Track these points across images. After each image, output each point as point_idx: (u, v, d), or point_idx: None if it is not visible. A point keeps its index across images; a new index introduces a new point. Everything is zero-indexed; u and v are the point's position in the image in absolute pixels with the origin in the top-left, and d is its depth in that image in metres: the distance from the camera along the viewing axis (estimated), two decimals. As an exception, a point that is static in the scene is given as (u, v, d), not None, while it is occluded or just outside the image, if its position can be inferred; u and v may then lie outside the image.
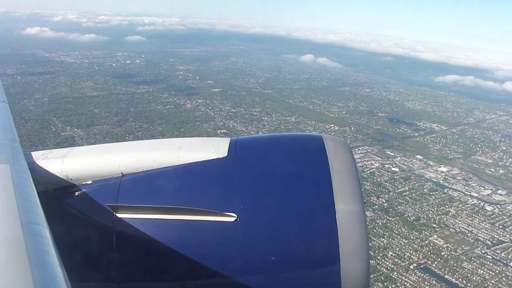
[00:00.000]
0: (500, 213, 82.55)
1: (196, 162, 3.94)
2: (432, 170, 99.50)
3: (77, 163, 4.05)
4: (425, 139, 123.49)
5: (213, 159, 3.92)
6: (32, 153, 4.20)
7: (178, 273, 3.75)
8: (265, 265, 3.56)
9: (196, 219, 3.58)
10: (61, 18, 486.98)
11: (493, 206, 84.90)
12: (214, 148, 4.02)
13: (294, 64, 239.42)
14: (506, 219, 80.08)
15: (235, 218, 3.52)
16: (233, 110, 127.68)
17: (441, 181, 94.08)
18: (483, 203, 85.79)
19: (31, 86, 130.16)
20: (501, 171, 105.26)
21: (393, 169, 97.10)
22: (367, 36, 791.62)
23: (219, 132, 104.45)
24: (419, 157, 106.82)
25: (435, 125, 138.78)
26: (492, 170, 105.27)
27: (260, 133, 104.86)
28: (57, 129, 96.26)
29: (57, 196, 3.99)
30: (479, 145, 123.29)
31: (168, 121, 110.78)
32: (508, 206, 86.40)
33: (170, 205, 3.65)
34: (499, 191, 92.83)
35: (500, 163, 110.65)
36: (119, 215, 3.70)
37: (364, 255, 3.47)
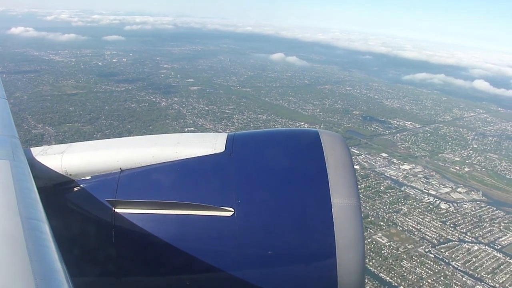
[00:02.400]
0: (454, 211, 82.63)
1: (193, 157, 4.00)
2: (394, 168, 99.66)
3: (76, 158, 4.12)
4: (395, 137, 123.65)
5: (210, 155, 3.99)
6: (31, 149, 4.26)
7: (176, 267, 3.78)
8: (262, 259, 3.60)
9: (194, 213, 3.63)
10: (53, 18, 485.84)
11: (449, 204, 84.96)
12: (211, 144, 4.09)
13: (264, 62, 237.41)
14: (459, 218, 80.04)
15: (233, 212, 3.58)
16: (206, 108, 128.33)
17: (401, 179, 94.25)
18: (440, 201, 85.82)
19: (14, 84, 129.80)
20: (466, 169, 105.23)
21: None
22: (359, 34, 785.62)
23: (186, 129, 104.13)
24: (384, 155, 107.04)
25: (408, 123, 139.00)
26: (457, 168, 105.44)
27: (228, 130, 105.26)
28: (29, 127, 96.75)
29: (56, 191, 4.04)
30: (450, 143, 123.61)
31: (139, 119, 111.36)
32: (465, 204, 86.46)
33: (168, 200, 3.69)
34: (459, 189, 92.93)
35: (467, 161, 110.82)
36: (117, 210, 3.75)
37: (359, 249, 3.53)
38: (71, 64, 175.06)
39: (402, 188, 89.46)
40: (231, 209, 3.58)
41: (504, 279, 63.82)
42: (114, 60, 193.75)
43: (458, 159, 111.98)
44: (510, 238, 75.34)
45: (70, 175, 4.06)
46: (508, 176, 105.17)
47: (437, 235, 73.04)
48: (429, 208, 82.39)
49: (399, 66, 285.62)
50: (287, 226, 3.61)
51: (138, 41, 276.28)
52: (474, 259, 67.30)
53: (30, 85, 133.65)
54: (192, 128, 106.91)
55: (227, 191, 3.70)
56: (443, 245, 70.27)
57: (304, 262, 3.64)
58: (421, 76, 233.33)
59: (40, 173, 3.97)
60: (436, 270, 63.22)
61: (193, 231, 3.68)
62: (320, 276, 3.66)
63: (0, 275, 2.07)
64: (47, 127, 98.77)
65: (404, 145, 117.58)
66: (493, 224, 79.52)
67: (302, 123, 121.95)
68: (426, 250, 68.20)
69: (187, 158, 4.01)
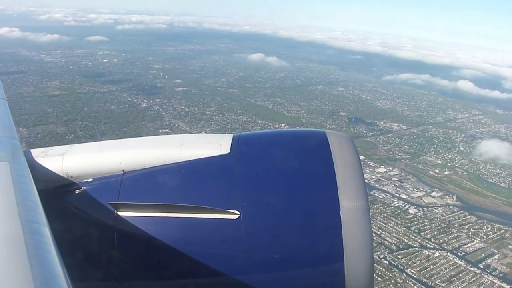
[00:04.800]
0: (422, 216, 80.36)
1: (198, 159, 3.89)
2: (368, 171, 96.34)
3: (77, 160, 4.02)
4: (377, 139, 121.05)
5: (215, 156, 3.88)
6: (31, 150, 4.16)
7: (180, 271, 3.71)
8: (269, 262, 3.52)
9: (199, 216, 3.52)
10: (47, 17, 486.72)
11: (418, 209, 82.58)
12: (216, 145, 3.98)
13: (241, 63, 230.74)
14: (426, 223, 77.89)
15: (238, 215, 3.47)
16: (186, 109, 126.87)
17: (373, 182, 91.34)
18: (409, 205, 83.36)
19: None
20: (446, 172, 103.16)
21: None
22: (361, 34, 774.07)
23: (160, 131, 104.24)
24: (361, 157, 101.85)
25: (396, 124, 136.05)
26: (437, 171, 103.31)
27: (203, 132, 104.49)
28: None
29: (57, 194, 3.95)
30: (435, 145, 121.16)
31: (115, 121, 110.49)
32: (436, 209, 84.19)
33: (172, 203, 3.59)
34: (433, 193, 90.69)
35: (449, 164, 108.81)
36: (120, 213, 3.65)
37: (368, 252, 3.42)
38: (60, 64, 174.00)
39: (372, 192, 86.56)
40: (236, 212, 3.51)
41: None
42: (104, 60, 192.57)
43: (440, 162, 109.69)
44: (476, 245, 73.15)
45: (71, 177, 3.98)
46: (490, 180, 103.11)
47: (398, 240, 70.82)
48: (396, 212, 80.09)
49: (390, 66, 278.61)
50: (294, 229, 3.56)
51: (135, 41, 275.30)
52: (431, 266, 65.18)
53: (13, 86, 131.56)
54: (167, 130, 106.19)
55: (233, 193, 3.62)
56: (401, 251, 68.15)
57: (312, 265, 3.60)
58: (404, 77, 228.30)
59: (40, 175, 3.90)
60: (387, 277, 61.07)
61: (197, 235, 3.62)
62: (327, 280, 3.62)
63: (0, 280, 2.06)
64: (21, 128, 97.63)
65: (385, 148, 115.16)
66: (462, 230, 77.29)
67: (282, 125, 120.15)
68: (381, 256, 65.87)
69: (191, 160, 3.91)
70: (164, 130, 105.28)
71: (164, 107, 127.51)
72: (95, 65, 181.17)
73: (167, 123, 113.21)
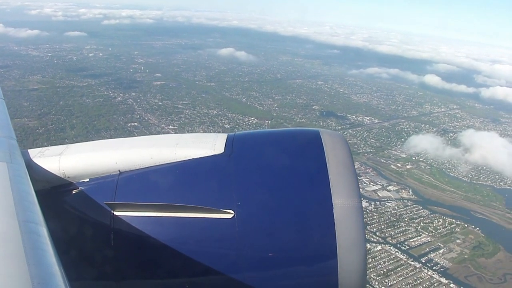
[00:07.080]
0: (373, 209, 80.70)
1: (192, 159, 3.99)
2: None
3: (74, 160, 4.10)
4: (345, 133, 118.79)
5: (209, 156, 3.98)
6: (28, 150, 4.25)
7: (176, 270, 3.79)
8: (263, 261, 3.62)
9: (194, 216, 3.62)
10: (38, 12, 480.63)
11: (370, 203, 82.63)
12: (210, 145, 4.08)
13: (213, 57, 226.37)
14: (375, 217, 78.31)
15: (233, 215, 3.56)
16: (159, 103, 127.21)
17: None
18: (361, 199, 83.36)
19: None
20: (408, 166, 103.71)
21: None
22: (351, 29, 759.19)
23: (129, 125, 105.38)
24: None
25: (367, 118, 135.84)
26: (399, 165, 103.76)
27: (170, 126, 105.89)
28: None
29: (54, 194, 4.04)
30: (402, 139, 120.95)
31: (87, 114, 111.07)
32: (389, 202, 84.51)
33: (167, 203, 3.69)
34: (390, 187, 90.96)
35: (413, 158, 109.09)
36: (116, 213, 3.74)
37: (361, 250, 3.52)
38: (46, 59, 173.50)
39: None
40: (231, 211, 3.56)
41: (394, 282, 62.01)
42: (90, 55, 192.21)
43: (404, 156, 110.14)
44: (423, 239, 73.72)
45: (68, 177, 4.05)
46: (452, 174, 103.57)
47: (339, 235, 70.85)
48: (343, 207, 79.93)
49: (364, 61, 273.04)
50: (288, 228, 3.62)
51: (124, 36, 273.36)
52: (370, 260, 64.64)
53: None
54: (135, 123, 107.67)
55: (227, 193, 3.69)
56: (340, 246, 68.16)
57: (305, 264, 3.66)
58: (371, 71, 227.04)
59: (37, 175, 3.97)
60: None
61: (193, 234, 3.67)
62: (321, 277, 3.67)
63: None
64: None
65: (351, 141, 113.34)
66: (411, 224, 77.67)
67: (252, 118, 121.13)
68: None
69: (186, 160, 3.98)
70: (133, 124, 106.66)
71: (138, 100, 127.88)
72: (80, 59, 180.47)
73: (137, 116, 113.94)
